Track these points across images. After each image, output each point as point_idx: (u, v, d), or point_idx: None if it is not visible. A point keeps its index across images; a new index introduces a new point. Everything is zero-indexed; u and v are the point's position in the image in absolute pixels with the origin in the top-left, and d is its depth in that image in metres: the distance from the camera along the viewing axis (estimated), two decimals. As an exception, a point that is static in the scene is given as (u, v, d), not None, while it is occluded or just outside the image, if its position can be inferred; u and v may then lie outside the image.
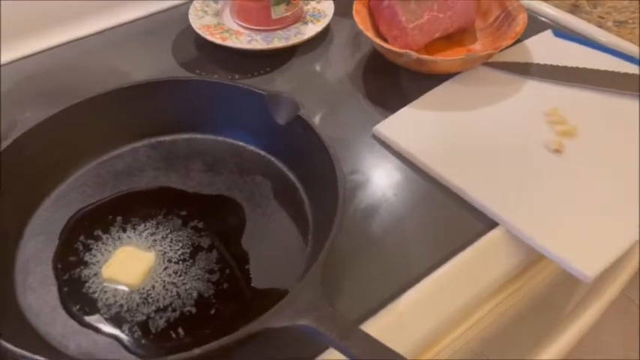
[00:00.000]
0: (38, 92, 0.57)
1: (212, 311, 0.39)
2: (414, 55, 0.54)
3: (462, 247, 0.44)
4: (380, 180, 0.49)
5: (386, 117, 0.54)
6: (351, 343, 0.31)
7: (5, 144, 0.43)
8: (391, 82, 0.59)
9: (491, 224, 0.45)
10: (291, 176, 0.48)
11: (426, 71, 0.57)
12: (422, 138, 0.51)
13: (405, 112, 0.54)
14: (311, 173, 0.46)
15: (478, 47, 0.61)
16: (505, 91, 0.57)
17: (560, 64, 0.58)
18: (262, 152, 0.50)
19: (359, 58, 0.62)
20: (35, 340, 0.37)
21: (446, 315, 0.41)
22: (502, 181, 0.48)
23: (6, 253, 0.42)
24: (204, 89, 0.51)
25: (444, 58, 0.56)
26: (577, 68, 0.58)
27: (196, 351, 0.31)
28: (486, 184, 0.47)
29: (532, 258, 0.45)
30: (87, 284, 0.41)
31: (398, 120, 0.53)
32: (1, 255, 0.41)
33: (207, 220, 0.45)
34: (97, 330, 0.38)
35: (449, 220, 0.46)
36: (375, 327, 0.38)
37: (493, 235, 0.45)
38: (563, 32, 0.65)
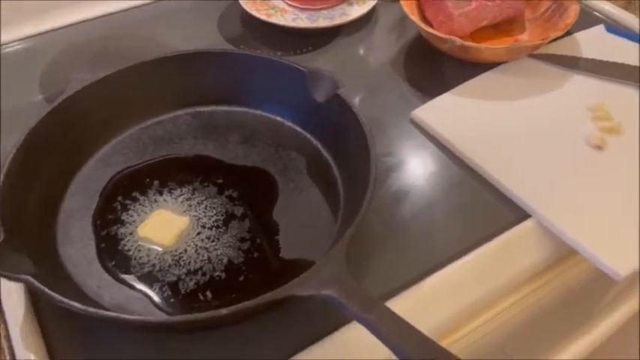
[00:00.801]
0: (91, 55, 0.59)
1: (241, 278, 0.40)
2: (459, 41, 0.53)
3: (492, 236, 0.44)
4: (414, 164, 0.49)
5: (425, 102, 0.54)
6: (372, 316, 0.31)
7: (57, 102, 0.45)
8: (433, 68, 0.58)
9: (523, 215, 0.45)
10: (326, 154, 0.49)
11: (469, 59, 0.56)
12: (460, 125, 0.51)
13: (445, 99, 0.54)
14: (345, 152, 0.47)
15: (526, 38, 0.60)
16: (550, 83, 0.55)
17: (610, 60, 0.57)
18: (299, 129, 0.51)
19: (402, 43, 0.62)
20: (73, 289, 0.39)
21: (468, 303, 0.41)
22: (538, 173, 0.47)
23: (51, 206, 0.44)
24: (246, 63, 0.51)
25: (489, 46, 0.55)
26: (627, 65, 0.56)
27: (223, 311, 0.32)
28: (522, 175, 0.47)
29: (562, 253, 0.44)
30: (123, 242, 0.42)
31: (437, 106, 0.53)
32: (46, 208, 0.43)
33: (241, 190, 0.46)
34: (130, 286, 0.40)
35: (480, 208, 0.46)
36: (396, 307, 0.38)
37: (524, 226, 0.44)
38: (616, 28, 0.63)
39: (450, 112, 0.53)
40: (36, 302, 0.39)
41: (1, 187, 0.39)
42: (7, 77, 0.58)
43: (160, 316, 0.37)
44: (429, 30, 0.55)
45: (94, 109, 0.48)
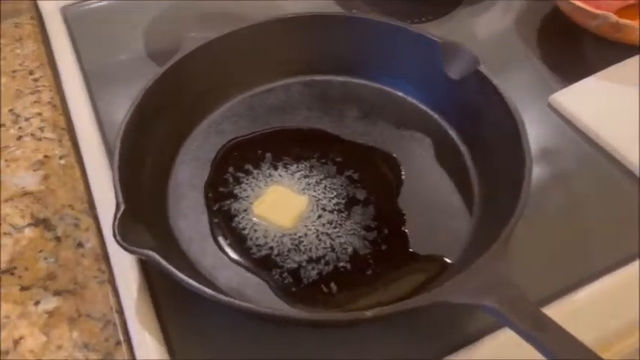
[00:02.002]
0: (202, 14, 0.55)
1: (368, 272, 0.36)
2: (613, 17, 0.46)
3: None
4: (556, 156, 0.44)
5: (564, 86, 0.48)
6: (547, 337, 0.27)
7: (172, 61, 0.42)
8: (572, 47, 0.52)
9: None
10: (456, 138, 0.44)
11: (617, 39, 0.49)
12: (608, 114, 0.45)
13: (590, 83, 0.47)
14: (481, 137, 0.42)
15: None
16: None
17: None
18: (424, 107, 0.46)
19: (532, 16, 0.55)
20: (189, 267, 0.36)
21: (626, 320, 0.36)
22: None
23: (162, 175, 0.41)
24: (369, 29, 0.46)
25: (645, 26, 0.48)
26: None
27: (368, 314, 0.29)
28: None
29: None
30: (237, 219, 0.39)
31: (580, 90, 0.47)
32: (158, 176, 0.40)
33: (362, 171, 0.42)
34: (247, 268, 0.37)
35: (632, 211, 0.40)
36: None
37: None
38: None
39: (595, 98, 0.46)
40: (148, 275, 0.37)
41: (119, 150, 0.36)
42: (109, 30, 0.55)
43: (295, 312, 0.34)
44: (579, 3, 0.48)
45: (206, 71, 0.45)
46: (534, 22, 0.55)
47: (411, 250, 0.37)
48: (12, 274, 0.37)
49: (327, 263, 0.36)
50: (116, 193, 0.34)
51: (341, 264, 0.36)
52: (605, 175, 0.42)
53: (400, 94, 0.47)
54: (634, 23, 0.48)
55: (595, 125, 0.44)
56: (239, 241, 0.38)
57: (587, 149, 0.44)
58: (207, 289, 0.30)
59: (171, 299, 0.35)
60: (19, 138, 0.45)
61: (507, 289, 0.29)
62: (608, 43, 0.50)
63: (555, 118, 0.46)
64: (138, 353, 0.33)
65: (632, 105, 0.46)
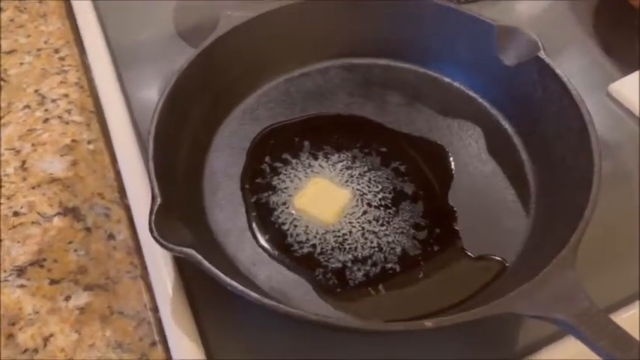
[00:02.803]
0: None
1: (419, 274, 0.34)
2: (682, 0, 0.43)
3: None
4: (617, 150, 0.41)
5: (624, 74, 0.44)
6: (629, 358, 0.24)
7: (208, 41, 0.39)
8: (631, 31, 0.48)
9: None
10: (509, 129, 0.41)
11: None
12: (675, 106, 0.42)
13: (654, 71, 0.44)
14: (539, 129, 0.39)
15: None
16: None
17: None
18: (473, 94, 0.43)
19: (587, -2, 0.52)
20: (228, 264, 0.34)
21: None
22: None
23: (197, 164, 0.39)
24: (415, 10, 0.43)
25: None
26: None
27: (428, 324, 0.26)
28: None
29: None
30: (276, 213, 0.37)
31: (643, 79, 0.43)
32: (193, 164, 0.38)
33: (409, 163, 0.39)
34: (288, 266, 0.34)
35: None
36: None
37: None
38: None
39: (661, 88, 0.43)
40: (183, 271, 0.35)
41: (154, 138, 0.34)
42: (138, 6, 0.52)
43: (349, 319, 0.32)
44: (643, -16, 0.45)
45: (242, 53, 0.42)
46: (590, 3, 0.51)
47: (464, 249, 0.35)
48: (41, 266, 0.35)
49: (374, 264, 0.34)
50: (152, 184, 0.32)
51: (389, 265, 0.34)
52: (671, 171, 0.39)
53: (447, 79, 0.44)
54: None
55: (659, 117, 0.41)
56: (279, 236, 0.36)
57: (651, 143, 0.41)
58: (252, 293, 0.27)
59: (209, 297, 0.33)
60: (46, 121, 0.43)
61: (582, 302, 0.27)
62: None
63: (615, 109, 0.43)
64: (174, 354, 0.31)
65: (699, 96, 0.42)
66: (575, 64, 0.47)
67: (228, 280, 0.28)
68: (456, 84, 0.44)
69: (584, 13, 0.50)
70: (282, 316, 0.28)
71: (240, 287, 0.27)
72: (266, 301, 0.27)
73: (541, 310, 0.27)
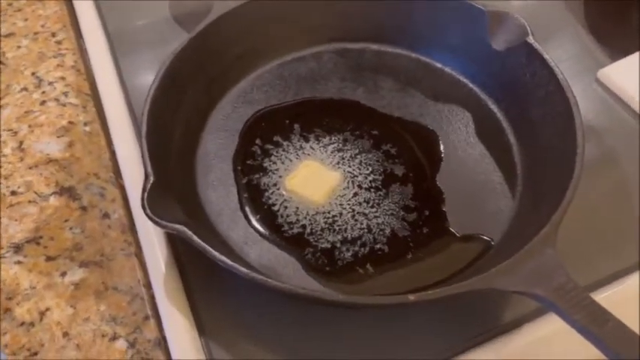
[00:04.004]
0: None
1: (407, 254, 0.34)
2: (672, -13, 0.43)
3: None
4: (604, 134, 0.41)
5: (613, 60, 0.45)
6: (606, 332, 0.25)
7: (202, 25, 0.40)
8: (622, 17, 0.49)
9: None
10: (498, 113, 0.41)
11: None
12: (662, 92, 0.42)
13: (643, 58, 0.44)
14: (527, 113, 0.39)
15: None
16: None
17: None
18: (463, 79, 0.44)
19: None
20: (220, 242, 0.35)
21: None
22: None
23: (190, 145, 0.39)
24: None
25: None
26: None
27: (411, 297, 0.27)
28: None
29: None
30: (267, 194, 0.38)
31: (632, 65, 0.44)
32: (187, 146, 0.39)
33: (399, 146, 0.40)
34: (279, 245, 0.35)
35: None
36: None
37: None
38: None
39: (649, 74, 0.43)
40: (176, 249, 0.35)
41: (147, 118, 0.34)
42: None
43: (334, 294, 0.33)
44: (635, -29, 0.45)
45: (236, 37, 0.42)
46: (582, -9, 0.52)
47: (451, 230, 0.36)
48: (37, 243, 0.36)
49: (363, 245, 0.35)
50: (145, 163, 0.32)
51: (378, 246, 0.35)
52: (657, 156, 0.40)
53: (438, 65, 0.45)
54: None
55: (647, 103, 0.42)
56: (269, 217, 0.36)
57: (637, 128, 0.41)
58: (241, 267, 0.28)
59: (200, 274, 0.34)
60: (43, 103, 0.44)
61: (560, 278, 0.27)
62: (663, 14, 0.47)
63: (604, 94, 0.44)
64: (167, 329, 0.32)
65: (687, 82, 0.43)
66: (566, 51, 0.47)
67: (217, 255, 0.29)
68: (448, 69, 0.44)
69: (575, 1, 0.51)
70: (271, 290, 0.29)
71: (230, 262, 0.28)
72: (254, 275, 0.28)
73: (521, 286, 0.27)
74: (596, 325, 0.25)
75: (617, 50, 0.46)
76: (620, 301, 0.33)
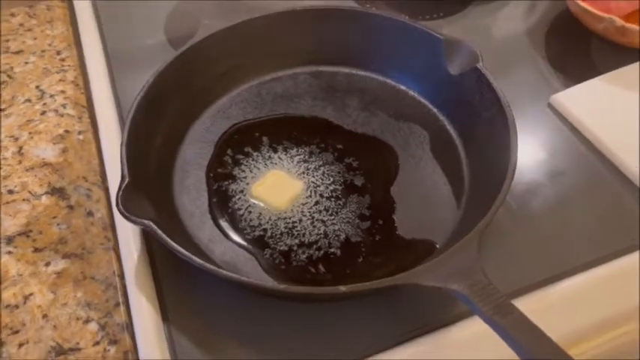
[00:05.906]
0: (220, 3, 0.57)
1: (358, 258, 0.38)
2: (619, 22, 0.47)
3: (632, 250, 0.39)
4: (550, 155, 0.45)
5: (567, 87, 0.48)
6: (507, 322, 0.28)
7: (186, 46, 0.44)
8: (579, 49, 0.52)
9: (674, 228, 0.39)
10: (452, 131, 0.45)
11: (625, 43, 0.50)
12: (608, 118, 0.45)
13: (593, 86, 0.48)
14: (476, 133, 0.43)
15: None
16: None
17: None
18: (424, 100, 0.47)
19: (544, 18, 0.56)
20: (187, 239, 0.38)
21: (600, 318, 0.37)
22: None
23: (170, 154, 0.44)
24: (377, 24, 0.48)
25: (652, 31, 0.48)
26: None
27: (342, 288, 0.31)
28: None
29: None
30: (234, 199, 0.42)
31: (582, 92, 0.47)
32: (166, 154, 0.43)
33: (360, 160, 0.44)
34: (240, 245, 0.39)
35: (623, 214, 0.41)
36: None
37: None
38: None
39: (597, 101, 0.47)
40: (149, 245, 0.39)
41: (128, 128, 0.39)
42: (134, 15, 0.58)
43: (278, 284, 0.36)
44: (585, 5, 0.49)
45: (218, 57, 0.47)
46: (544, 23, 0.56)
47: (400, 235, 0.39)
48: (27, 236, 0.40)
49: (318, 249, 0.38)
50: (122, 166, 0.37)
51: (332, 250, 0.38)
52: (598, 177, 0.43)
53: (402, 87, 0.49)
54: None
55: (594, 128, 0.45)
56: (234, 220, 0.40)
57: (583, 151, 0.45)
58: (195, 258, 0.32)
59: (169, 268, 0.38)
60: (43, 113, 0.48)
61: (477, 277, 0.31)
62: (614, 46, 0.50)
63: (555, 119, 0.47)
64: (134, 314, 0.36)
65: (632, 110, 0.46)
66: (524, 77, 0.51)
67: (176, 246, 0.33)
68: (410, 91, 0.48)
69: (538, 31, 0.55)
70: (223, 280, 0.32)
71: (186, 252, 0.32)
72: (206, 265, 0.32)
73: (440, 282, 0.31)
74: (500, 315, 0.29)
75: (572, 79, 0.49)
76: (545, 306, 0.36)
